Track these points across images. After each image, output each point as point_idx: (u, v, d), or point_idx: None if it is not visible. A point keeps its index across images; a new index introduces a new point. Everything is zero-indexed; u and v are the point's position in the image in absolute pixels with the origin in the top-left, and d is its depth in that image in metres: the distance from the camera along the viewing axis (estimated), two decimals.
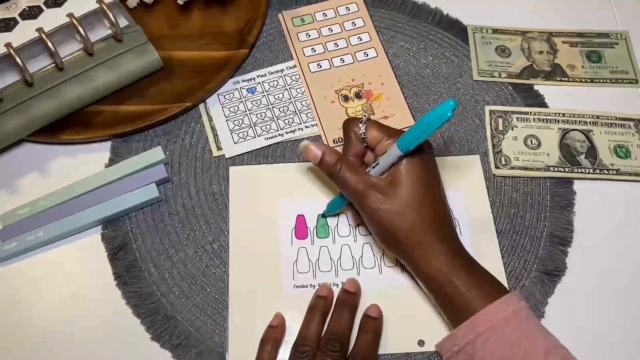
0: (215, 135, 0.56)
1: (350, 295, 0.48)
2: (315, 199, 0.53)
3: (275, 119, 0.57)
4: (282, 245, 0.51)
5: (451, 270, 0.43)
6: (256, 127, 0.57)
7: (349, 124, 0.48)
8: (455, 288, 0.43)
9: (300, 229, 0.52)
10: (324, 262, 0.51)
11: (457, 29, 0.63)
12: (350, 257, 0.51)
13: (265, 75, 0.59)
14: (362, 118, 0.48)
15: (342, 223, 0.52)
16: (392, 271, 0.50)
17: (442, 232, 0.45)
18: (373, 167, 0.46)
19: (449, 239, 0.45)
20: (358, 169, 0.46)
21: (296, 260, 0.51)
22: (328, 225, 0.52)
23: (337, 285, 0.50)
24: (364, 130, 0.47)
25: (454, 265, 0.43)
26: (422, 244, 0.44)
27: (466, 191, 0.54)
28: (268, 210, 0.53)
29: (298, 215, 0.52)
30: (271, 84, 0.59)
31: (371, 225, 0.46)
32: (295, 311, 0.48)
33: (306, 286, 0.50)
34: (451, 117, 0.39)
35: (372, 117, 0.57)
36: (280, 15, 0.63)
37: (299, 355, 0.44)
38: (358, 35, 0.62)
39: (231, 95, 0.58)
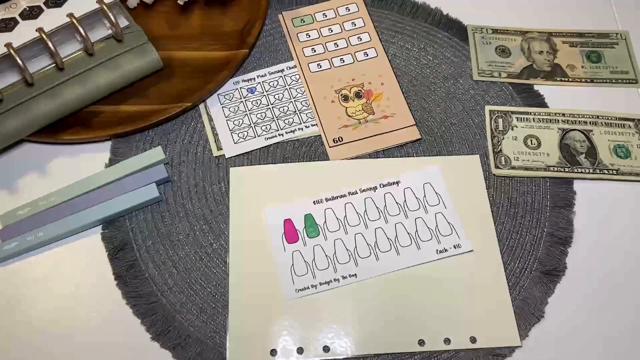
0: (215, 135, 0.56)
1: None
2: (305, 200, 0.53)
3: (275, 119, 0.57)
4: (281, 244, 0.51)
5: None
6: (256, 127, 0.57)
7: None
8: None
9: (290, 233, 0.52)
10: (320, 261, 0.51)
11: (457, 29, 0.63)
12: (345, 250, 0.51)
13: (265, 75, 0.59)
14: None
15: (329, 218, 0.52)
16: (388, 255, 0.50)
17: None
18: None
19: None
20: None
21: (293, 264, 0.51)
22: (317, 224, 0.52)
23: (338, 280, 0.49)
24: None
25: None
26: None
27: (466, 191, 0.54)
28: (268, 210, 0.53)
29: (285, 220, 0.52)
30: (271, 84, 0.59)
31: None
32: (300, 312, 0.48)
33: (307, 287, 0.50)
34: None
35: (371, 116, 0.57)
36: (280, 16, 0.63)
37: None
38: (358, 36, 0.62)
39: (231, 95, 0.58)
